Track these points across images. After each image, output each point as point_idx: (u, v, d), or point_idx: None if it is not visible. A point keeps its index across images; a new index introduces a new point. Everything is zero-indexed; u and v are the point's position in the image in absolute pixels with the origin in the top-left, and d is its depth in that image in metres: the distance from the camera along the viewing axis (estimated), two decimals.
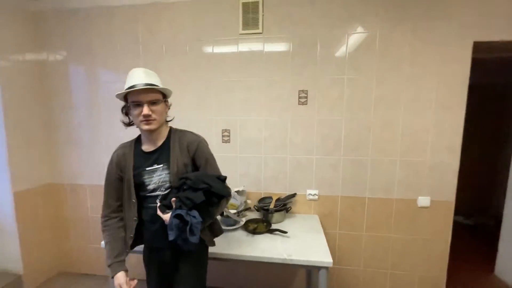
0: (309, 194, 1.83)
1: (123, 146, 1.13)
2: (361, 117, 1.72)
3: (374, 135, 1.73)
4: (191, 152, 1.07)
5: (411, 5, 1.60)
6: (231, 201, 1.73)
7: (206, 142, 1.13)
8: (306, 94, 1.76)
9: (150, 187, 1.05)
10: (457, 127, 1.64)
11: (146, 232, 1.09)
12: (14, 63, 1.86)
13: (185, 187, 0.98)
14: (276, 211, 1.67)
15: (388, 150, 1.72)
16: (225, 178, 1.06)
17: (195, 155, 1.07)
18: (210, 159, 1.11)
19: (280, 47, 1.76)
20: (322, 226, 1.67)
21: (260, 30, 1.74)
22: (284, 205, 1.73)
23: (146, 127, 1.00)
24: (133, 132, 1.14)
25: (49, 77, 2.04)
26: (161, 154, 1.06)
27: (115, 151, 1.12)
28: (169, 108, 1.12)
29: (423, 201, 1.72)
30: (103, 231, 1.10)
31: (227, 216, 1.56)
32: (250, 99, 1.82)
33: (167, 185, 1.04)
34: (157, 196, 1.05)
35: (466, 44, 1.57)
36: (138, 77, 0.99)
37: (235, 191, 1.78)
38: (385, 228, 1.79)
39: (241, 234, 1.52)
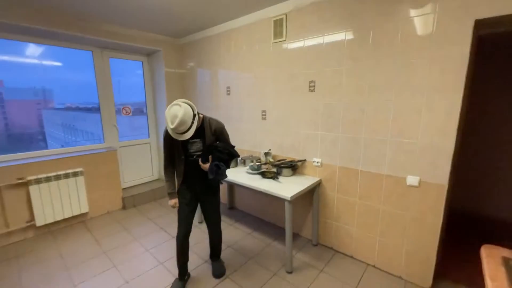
0: (315, 161, 2.38)
1: None
2: (357, 101, 2.04)
3: (367, 116, 2.00)
4: (217, 133, 1.79)
5: None
6: (261, 157, 2.65)
7: (223, 125, 1.84)
8: (314, 83, 2.27)
9: (191, 150, 1.75)
10: (452, 110, 1.62)
11: (188, 176, 1.80)
12: (171, 68, 3.62)
13: (214, 150, 1.76)
14: (284, 167, 2.40)
15: (379, 130, 1.95)
16: (234, 146, 1.88)
17: (218, 135, 1.80)
18: (226, 137, 1.85)
19: (296, 49, 2.35)
20: (324, 189, 2.26)
21: (284, 38, 2.41)
22: (291, 165, 2.42)
23: None
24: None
25: (185, 75, 3.71)
26: (198, 132, 1.67)
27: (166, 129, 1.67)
28: (199, 117, 1.67)
29: (412, 180, 1.83)
30: (165, 175, 1.81)
31: (254, 167, 2.50)
32: (278, 88, 2.56)
33: (201, 150, 1.76)
34: (194, 155, 1.76)
35: (466, 23, 1.51)
36: (175, 127, 1.50)
37: (264, 153, 2.66)
38: (376, 199, 2.05)
39: (258, 177, 2.42)
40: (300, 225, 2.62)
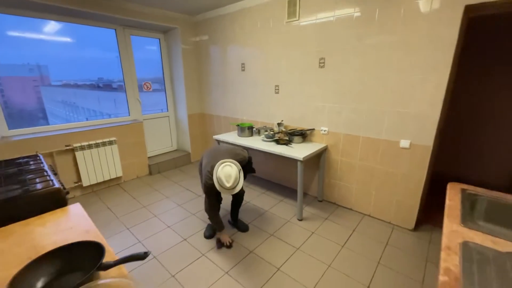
0: (322, 129, 2.75)
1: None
2: (361, 76, 2.35)
3: (369, 90, 2.32)
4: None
5: None
6: (274, 127, 3.02)
7: (250, 156, 2.21)
8: (324, 60, 2.56)
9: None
10: (440, 84, 1.95)
11: None
12: (187, 45, 3.86)
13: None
14: (296, 135, 2.78)
15: (379, 102, 2.29)
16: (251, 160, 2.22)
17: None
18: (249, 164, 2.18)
19: (308, 28, 2.60)
20: (330, 153, 2.66)
21: (297, 18, 2.64)
22: (302, 133, 2.79)
23: None
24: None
25: (200, 51, 3.95)
26: None
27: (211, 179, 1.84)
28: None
29: (404, 143, 2.22)
30: (214, 216, 2.08)
31: (269, 135, 2.88)
32: (291, 65, 2.85)
33: None
34: None
35: (455, 10, 1.78)
36: (231, 185, 1.72)
37: (277, 123, 3.02)
38: (373, 160, 2.45)
39: (272, 144, 2.80)
40: (308, 185, 3.06)
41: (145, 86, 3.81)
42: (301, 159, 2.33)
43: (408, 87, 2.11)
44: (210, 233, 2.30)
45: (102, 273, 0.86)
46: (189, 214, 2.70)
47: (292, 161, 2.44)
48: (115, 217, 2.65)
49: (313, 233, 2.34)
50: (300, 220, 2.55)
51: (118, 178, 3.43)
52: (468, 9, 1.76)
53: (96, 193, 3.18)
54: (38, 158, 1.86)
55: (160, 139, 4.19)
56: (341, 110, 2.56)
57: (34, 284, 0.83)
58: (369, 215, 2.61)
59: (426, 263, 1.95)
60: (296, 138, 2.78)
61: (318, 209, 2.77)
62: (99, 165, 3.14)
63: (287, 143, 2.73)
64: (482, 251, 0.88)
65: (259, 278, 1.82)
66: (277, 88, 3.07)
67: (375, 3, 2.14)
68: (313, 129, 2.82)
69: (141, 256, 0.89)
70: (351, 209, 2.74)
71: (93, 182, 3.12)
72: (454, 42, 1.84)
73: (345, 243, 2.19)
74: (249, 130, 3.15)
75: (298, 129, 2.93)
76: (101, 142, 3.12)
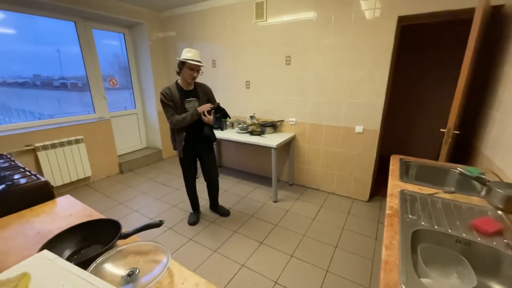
0: (290, 120, 3.07)
1: (169, 87, 2.05)
2: (322, 72, 2.72)
3: (329, 84, 2.71)
4: (208, 94, 2.22)
5: None
6: (247, 120, 3.24)
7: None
8: (290, 58, 2.87)
9: (189, 108, 2.09)
10: (383, 79, 2.40)
11: (189, 134, 2.12)
12: (154, 41, 3.83)
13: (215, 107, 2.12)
14: (267, 126, 3.05)
15: (338, 94, 2.69)
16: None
17: (209, 95, 2.22)
18: (214, 98, 2.27)
19: (275, 29, 2.88)
20: (298, 141, 2.97)
21: (264, 19, 2.90)
22: (273, 125, 3.08)
23: (191, 81, 2.03)
24: None
25: (167, 48, 3.95)
26: (193, 93, 2.11)
27: (164, 90, 2.03)
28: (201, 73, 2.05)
29: (358, 129, 2.65)
30: (175, 119, 2.03)
31: (243, 127, 3.09)
32: (260, 62, 3.11)
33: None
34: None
35: (390, 19, 2.23)
36: (195, 55, 1.96)
37: (250, 116, 3.26)
38: (334, 145, 2.86)
39: (246, 135, 3.02)
40: (279, 171, 3.37)
41: (110, 82, 3.67)
42: (275, 147, 2.60)
43: (360, 81, 2.53)
44: (194, 220, 2.44)
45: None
46: (170, 206, 2.78)
47: (265, 151, 2.71)
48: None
49: (287, 211, 2.65)
50: (275, 202, 2.84)
51: (86, 178, 3.29)
52: (401, 19, 2.23)
53: (64, 195, 3.01)
54: (6, 156, 1.78)
55: (129, 136, 4.08)
56: (306, 102, 2.91)
57: (62, 252, 0.93)
58: (333, 193, 3.03)
59: (378, 224, 2.40)
60: (268, 129, 3.06)
61: (290, 191, 3.10)
62: (65, 165, 2.98)
63: (260, 134, 2.98)
64: (412, 194, 1.25)
65: (245, 252, 2.04)
66: (248, 83, 3.30)
67: (331, 10, 2.51)
68: (283, 120, 3.13)
69: (157, 224, 1.04)
70: (318, 189, 3.13)
71: (59, 183, 2.96)
72: (391, 45, 2.29)
73: (315, 216, 2.55)
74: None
75: (269, 121, 3.21)
76: (66, 141, 2.96)
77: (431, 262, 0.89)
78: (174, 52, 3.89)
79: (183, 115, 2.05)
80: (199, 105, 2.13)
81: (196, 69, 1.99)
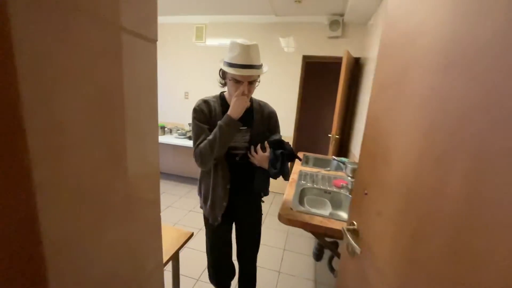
0: None
1: (208, 100, 1.17)
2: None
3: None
4: (271, 121, 1.23)
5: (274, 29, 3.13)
6: (185, 127, 3.55)
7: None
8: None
9: (233, 144, 1.11)
10: (294, 99, 3.23)
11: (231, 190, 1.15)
12: None
13: (275, 145, 1.16)
14: None
15: None
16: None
17: (271, 124, 1.23)
18: (279, 129, 1.27)
19: (212, 49, 3.40)
20: None
21: (203, 41, 3.39)
22: None
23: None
24: None
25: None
26: (244, 118, 1.10)
27: (199, 104, 1.16)
28: (258, 83, 1.13)
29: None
30: (198, 149, 1.08)
31: (182, 132, 3.38)
32: (199, 75, 3.53)
33: (246, 144, 1.14)
34: (237, 154, 1.14)
35: (299, 56, 3.10)
36: (245, 56, 1.02)
37: (188, 123, 3.58)
38: None
39: (186, 140, 3.32)
40: None
41: None
42: None
43: (280, 99, 3.29)
44: None
45: None
46: None
47: None
48: None
49: None
50: None
51: None
52: (304, 57, 3.12)
53: None
54: None
55: None
56: None
57: None
58: None
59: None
60: None
61: None
62: None
63: None
64: (306, 172, 1.92)
65: None
66: (186, 94, 3.65)
67: (259, 41, 3.21)
68: None
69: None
70: None
71: None
72: (299, 74, 3.15)
73: None
74: (161, 129, 3.52)
75: None
76: None
77: (311, 205, 1.51)
78: None
79: (210, 135, 1.09)
80: (251, 137, 1.19)
81: (244, 80, 1.08)
